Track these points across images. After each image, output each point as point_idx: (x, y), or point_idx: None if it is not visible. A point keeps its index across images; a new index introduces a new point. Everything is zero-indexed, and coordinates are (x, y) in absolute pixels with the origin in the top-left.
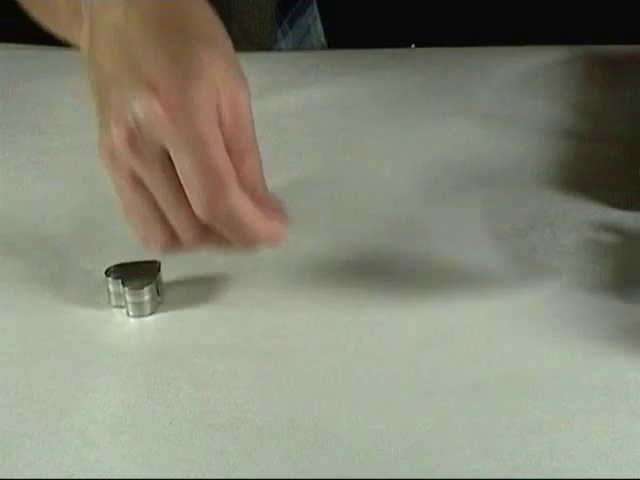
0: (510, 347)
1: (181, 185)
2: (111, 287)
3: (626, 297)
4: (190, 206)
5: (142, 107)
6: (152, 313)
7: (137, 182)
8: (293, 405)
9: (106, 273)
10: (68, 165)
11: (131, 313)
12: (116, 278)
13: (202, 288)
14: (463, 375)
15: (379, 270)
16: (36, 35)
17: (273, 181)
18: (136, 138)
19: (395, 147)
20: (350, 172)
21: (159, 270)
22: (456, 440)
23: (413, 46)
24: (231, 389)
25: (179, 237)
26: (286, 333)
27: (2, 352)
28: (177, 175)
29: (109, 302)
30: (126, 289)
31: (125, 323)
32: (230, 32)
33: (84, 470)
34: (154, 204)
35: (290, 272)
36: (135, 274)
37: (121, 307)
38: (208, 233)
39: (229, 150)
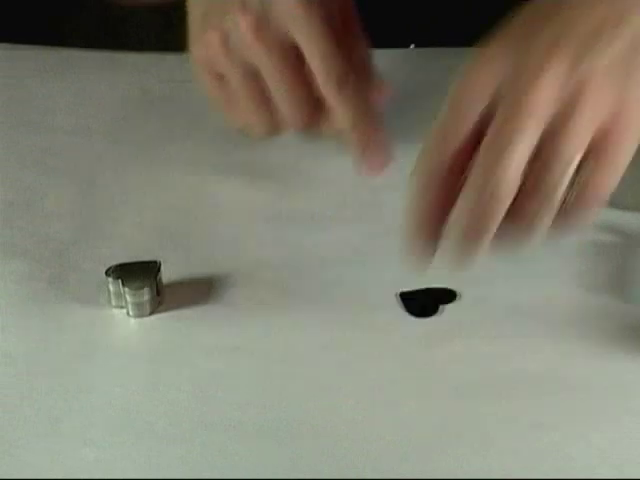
0: (510, 347)
1: (295, 70)
2: (111, 287)
3: (626, 297)
4: (304, 88)
5: None
6: (152, 313)
7: (248, 73)
8: (293, 405)
9: (106, 273)
10: (68, 165)
11: (131, 313)
12: (116, 278)
13: (202, 288)
14: (463, 375)
15: (379, 270)
16: (36, 35)
17: (273, 181)
18: (263, 25)
19: (395, 147)
20: (350, 172)
21: (159, 270)
22: (456, 440)
23: (413, 46)
24: (231, 389)
25: (285, 122)
26: (286, 333)
27: (2, 352)
28: (292, 62)
29: (109, 302)
30: (126, 289)
31: (125, 323)
32: None
33: (84, 470)
34: (262, 93)
35: (290, 272)
36: (135, 274)
37: (121, 307)
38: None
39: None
